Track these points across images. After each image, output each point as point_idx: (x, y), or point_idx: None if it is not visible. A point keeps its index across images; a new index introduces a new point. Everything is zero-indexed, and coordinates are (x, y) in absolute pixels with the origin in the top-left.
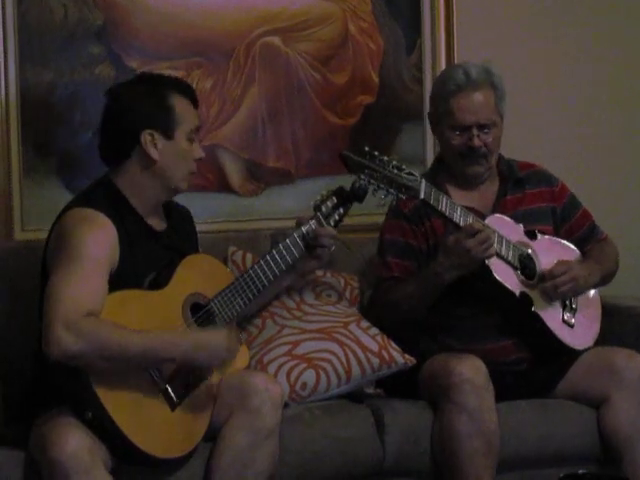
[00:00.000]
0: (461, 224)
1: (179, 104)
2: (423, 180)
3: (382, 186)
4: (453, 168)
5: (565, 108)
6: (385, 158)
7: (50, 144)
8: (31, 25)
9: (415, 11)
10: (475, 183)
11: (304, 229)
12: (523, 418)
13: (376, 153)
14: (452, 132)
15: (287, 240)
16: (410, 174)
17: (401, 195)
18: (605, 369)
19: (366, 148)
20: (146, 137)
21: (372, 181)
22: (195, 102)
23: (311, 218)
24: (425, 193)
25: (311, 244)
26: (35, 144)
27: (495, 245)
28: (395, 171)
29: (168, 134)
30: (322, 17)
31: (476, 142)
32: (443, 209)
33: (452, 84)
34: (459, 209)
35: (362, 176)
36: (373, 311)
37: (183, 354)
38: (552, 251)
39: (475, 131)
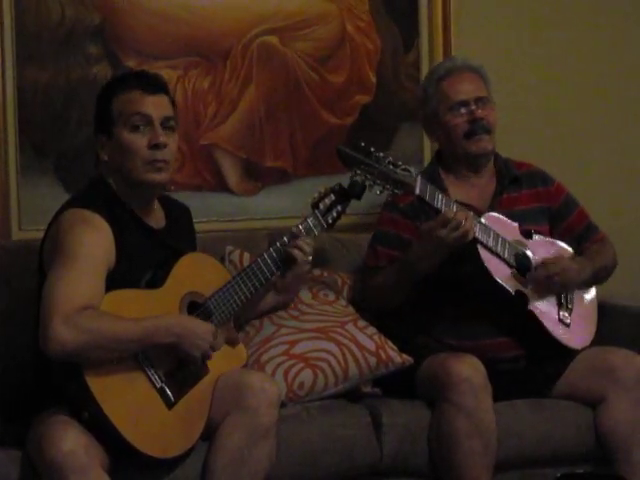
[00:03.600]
0: None
1: (119, 101)
2: (419, 176)
3: (378, 182)
4: (458, 154)
5: (563, 108)
6: (381, 154)
7: (47, 143)
8: (28, 24)
9: (412, 10)
10: (477, 168)
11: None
12: (520, 418)
13: (372, 149)
14: (451, 113)
15: (277, 243)
16: (405, 170)
17: (397, 191)
18: (602, 369)
19: (362, 144)
20: (98, 143)
21: (368, 176)
22: (148, 89)
23: (301, 223)
24: (420, 189)
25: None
26: (32, 143)
27: (476, 230)
28: (390, 167)
29: (108, 134)
30: (319, 16)
31: (478, 113)
32: (438, 205)
33: (440, 70)
34: (454, 206)
35: (358, 171)
36: (359, 297)
37: (177, 337)
38: (547, 251)
39: (473, 105)
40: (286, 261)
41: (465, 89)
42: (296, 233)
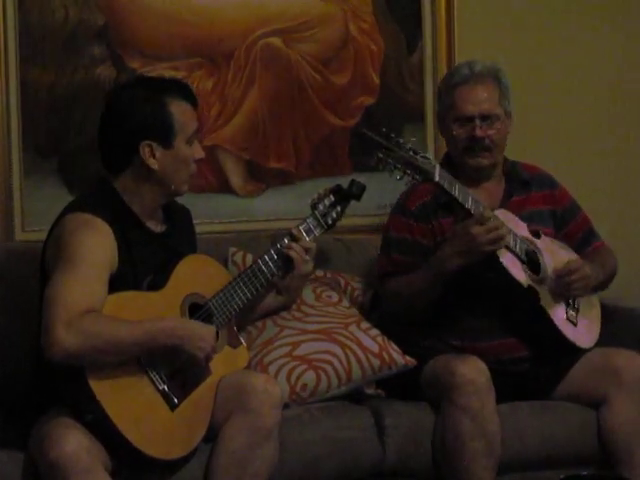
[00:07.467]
0: (472, 211)
1: (179, 111)
2: (437, 164)
3: (399, 166)
4: (459, 164)
5: (566, 109)
6: (401, 140)
7: (51, 145)
8: (32, 26)
9: (416, 12)
10: (480, 178)
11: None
12: (524, 420)
13: (393, 135)
14: (455, 124)
15: (278, 244)
16: (425, 157)
17: (417, 177)
18: (605, 370)
19: (383, 129)
20: (144, 148)
21: (390, 160)
22: (195, 103)
23: (294, 228)
24: (440, 177)
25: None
26: (36, 145)
27: (506, 238)
28: (411, 153)
29: (167, 143)
30: (323, 18)
31: (478, 132)
32: (456, 194)
33: (456, 77)
34: (471, 197)
35: (380, 155)
36: (384, 306)
37: (179, 340)
38: (554, 251)
39: (478, 122)
40: (286, 262)
41: (473, 102)
42: (295, 234)
